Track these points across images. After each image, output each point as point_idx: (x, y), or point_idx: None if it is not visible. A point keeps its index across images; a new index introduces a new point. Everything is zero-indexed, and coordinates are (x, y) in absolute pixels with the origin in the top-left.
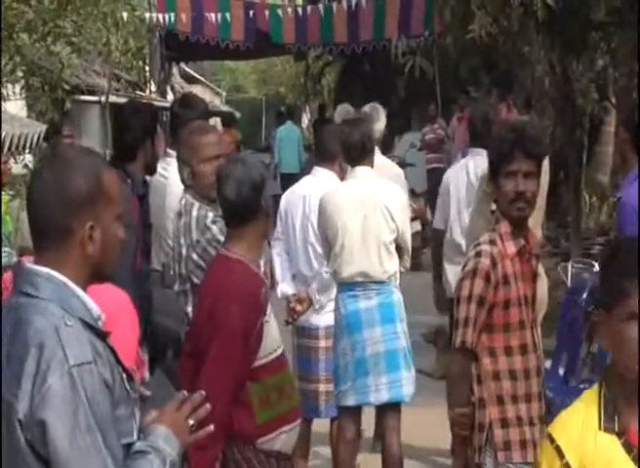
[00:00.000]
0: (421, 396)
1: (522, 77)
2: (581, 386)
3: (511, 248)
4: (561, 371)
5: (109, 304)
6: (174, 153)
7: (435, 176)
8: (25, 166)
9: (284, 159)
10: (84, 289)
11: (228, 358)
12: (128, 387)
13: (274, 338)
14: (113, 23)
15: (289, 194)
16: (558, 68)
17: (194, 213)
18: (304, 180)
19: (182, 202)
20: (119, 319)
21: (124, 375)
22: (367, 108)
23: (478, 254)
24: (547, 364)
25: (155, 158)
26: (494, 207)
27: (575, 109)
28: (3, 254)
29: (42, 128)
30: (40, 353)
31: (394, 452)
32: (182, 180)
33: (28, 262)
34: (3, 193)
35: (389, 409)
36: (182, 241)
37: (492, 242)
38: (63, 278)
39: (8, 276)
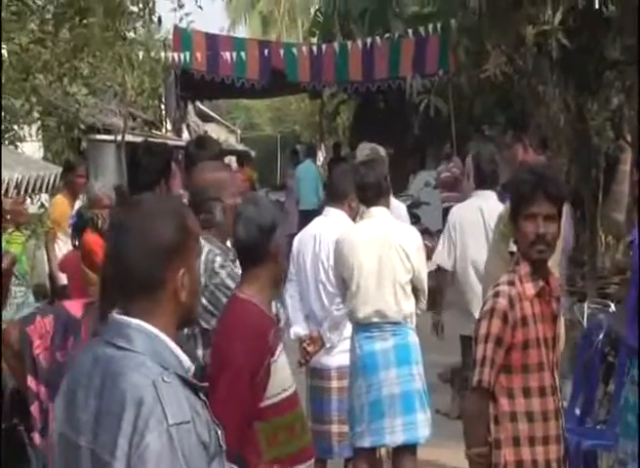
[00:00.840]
0: (438, 436)
1: (537, 116)
2: (598, 427)
3: (530, 289)
4: (577, 412)
5: None
6: (185, 194)
7: None
8: (42, 205)
9: (303, 196)
10: (174, 338)
11: (235, 396)
12: (221, 443)
13: (284, 379)
14: (129, 65)
15: (301, 234)
16: (573, 107)
17: (202, 257)
18: (316, 220)
19: None
20: None
21: (218, 431)
22: (367, 151)
23: (496, 295)
24: (565, 404)
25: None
26: (513, 247)
27: (590, 148)
28: (19, 294)
29: (58, 170)
30: (138, 410)
31: None
32: (209, 220)
33: (69, 307)
34: (20, 234)
35: (405, 451)
36: None
37: (510, 283)
38: (155, 329)
39: (48, 321)
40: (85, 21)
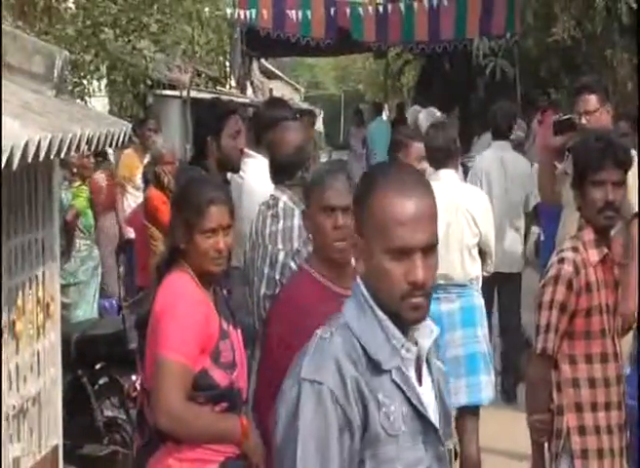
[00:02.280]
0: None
1: (605, 80)
2: None
3: (595, 256)
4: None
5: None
6: (254, 154)
7: None
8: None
9: (380, 153)
10: None
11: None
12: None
13: None
14: (198, 22)
15: None
16: None
17: (296, 221)
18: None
19: (280, 204)
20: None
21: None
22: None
23: (561, 261)
24: (627, 370)
25: (227, 154)
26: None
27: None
28: (83, 247)
29: (128, 126)
30: None
31: (472, 455)
32: (305, 178)
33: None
34: (86, 187)
35: (468, 413)
36: (281, 246)
37: (575, 249)
38: None
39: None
40: None
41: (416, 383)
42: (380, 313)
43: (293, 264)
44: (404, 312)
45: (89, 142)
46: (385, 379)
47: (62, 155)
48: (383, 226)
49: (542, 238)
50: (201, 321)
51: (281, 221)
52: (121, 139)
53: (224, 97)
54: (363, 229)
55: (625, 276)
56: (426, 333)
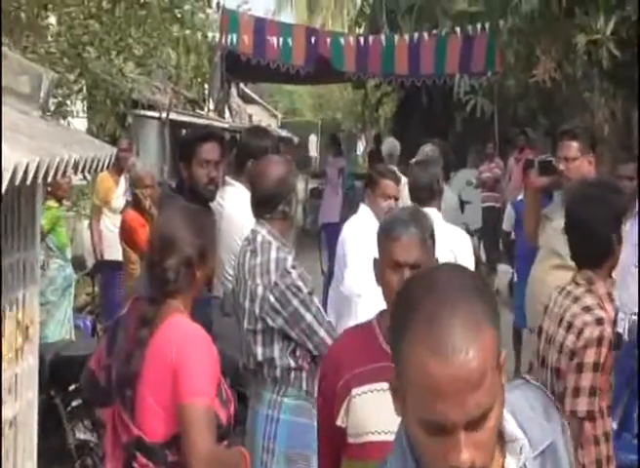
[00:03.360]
0: None
1: (581, 123)
2: (634, 441)
3: (611, 311)
4: (614, 425)
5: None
6: (234, 182)
7: (490, 215)
8: (84, 178)
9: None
10: None
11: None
12: None
13: (371, 420)
14: (184, 48)
15: None
16: (619, 117)
17: (273, 254)
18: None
19: (259, 238)
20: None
21: None
22: (428, 149)
23: (600, 322)
24: (614, 425)
25: (195, 183)
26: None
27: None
28: (52, 266)
29: (113, 151)
30: None
31: None
32: (287, 212)
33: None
34: (55, 206)
35: None
36: (259, 281)
37: (601, 306)
38: None
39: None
40: (142, 0)
41: None
42: None
43: (272, 298)
44: None
45: (75, 167)
46: None
47: (49, 179)
48: (415, 389)
49: (516, 279)
50: (215, 361)
51: (259, 256)
52: (106, 164)
53: (202, 121)
54: (398, 372)
55: None
56: (514, 451)
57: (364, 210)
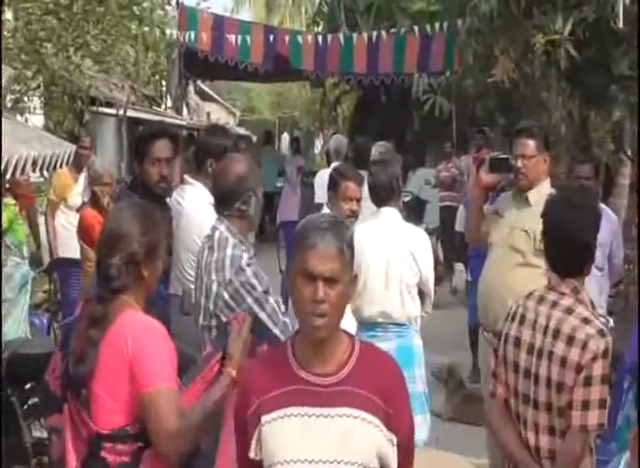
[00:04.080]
0: (429, 436)
1: (539, 122)
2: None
3: (601, 320)
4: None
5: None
6: (193, 181)
7: (447, 214)
8: (41, 175)
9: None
10: None
11: None
12: None
13: (280, 449)
14: (143, 45)
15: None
16: (576, 117)
17: (229, 251)
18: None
19: (216, 235)
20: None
21: None
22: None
23: (602, 334)
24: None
25: (147, 180)
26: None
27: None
28: (10, 263)
29: (72, 148)
30: None
31: None
32: (244, 211)
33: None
34: (14, 203)
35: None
36: (214, 277)
37: (594, 316)
38: None
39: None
40: None
41: None
42: None
43: (226, 295)
44: None
45: (34, 164)
46: None
47: (8, 176)
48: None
49: (470, 278)
50: (172, 351)
51: (215, 252)
52: (65, 161)
53: (160, 119)
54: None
55: None
56: None
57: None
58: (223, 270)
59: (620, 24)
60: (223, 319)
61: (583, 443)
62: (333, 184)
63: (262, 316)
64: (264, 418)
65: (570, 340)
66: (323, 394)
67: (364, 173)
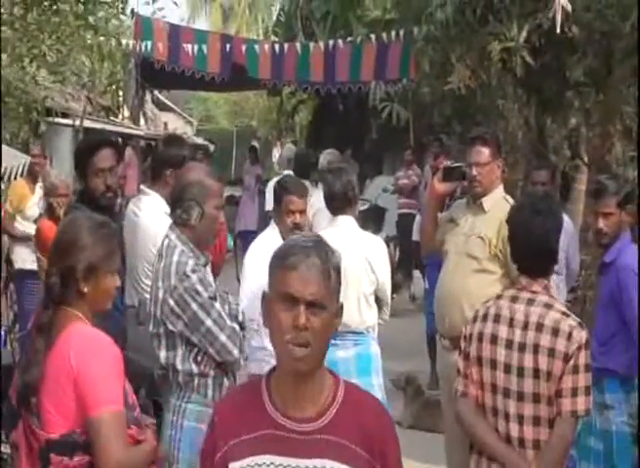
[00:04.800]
0: None
1: (495, 129)
2: None
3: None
4: None
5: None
6: (150, 191)
7: (406, 222)
8: None
9: None
10: None
11: None
12: None
13: None
14: (99, 55)
15: None
16: (533, 124)
17: (175, 257)
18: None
19: (165, 242)
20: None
21: None
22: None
23: (582, 326)
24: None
25: (92, 192)
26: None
27: (547, 165)
28: None
29: (27, 159)
30: None
31: None
32: (183, 219)
33: None
34: None
35: None
36: (160, 284)
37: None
38: None
39: None
40: (55, 7)
41: None
42: None
43: (171, 301)
44: None
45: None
46: None
47: None
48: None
49: (427, 286)
50: (118, 363)
51: (163, 260)
52: (20, 172)
53: (117, 129)
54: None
55: None
56: None
57: (271, 228)
58: (169, 277)
59: (574, 31)
60: (170, 326)
61: (574, 427)
62: (276, 198)
63: (208, 322)
64: (232, 466)
65: (555, 332)
66: (300, 442)
67: (307, 182)
